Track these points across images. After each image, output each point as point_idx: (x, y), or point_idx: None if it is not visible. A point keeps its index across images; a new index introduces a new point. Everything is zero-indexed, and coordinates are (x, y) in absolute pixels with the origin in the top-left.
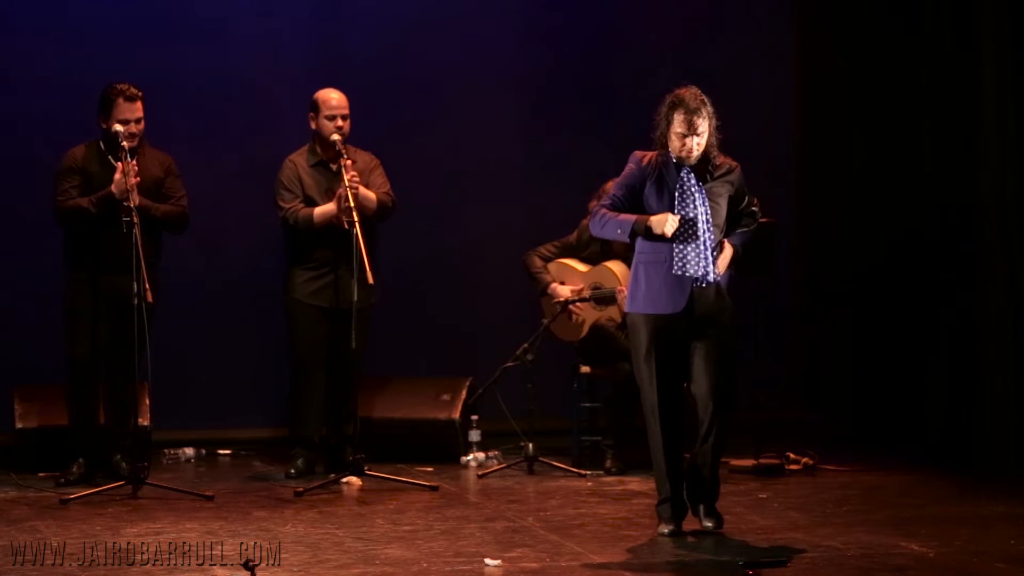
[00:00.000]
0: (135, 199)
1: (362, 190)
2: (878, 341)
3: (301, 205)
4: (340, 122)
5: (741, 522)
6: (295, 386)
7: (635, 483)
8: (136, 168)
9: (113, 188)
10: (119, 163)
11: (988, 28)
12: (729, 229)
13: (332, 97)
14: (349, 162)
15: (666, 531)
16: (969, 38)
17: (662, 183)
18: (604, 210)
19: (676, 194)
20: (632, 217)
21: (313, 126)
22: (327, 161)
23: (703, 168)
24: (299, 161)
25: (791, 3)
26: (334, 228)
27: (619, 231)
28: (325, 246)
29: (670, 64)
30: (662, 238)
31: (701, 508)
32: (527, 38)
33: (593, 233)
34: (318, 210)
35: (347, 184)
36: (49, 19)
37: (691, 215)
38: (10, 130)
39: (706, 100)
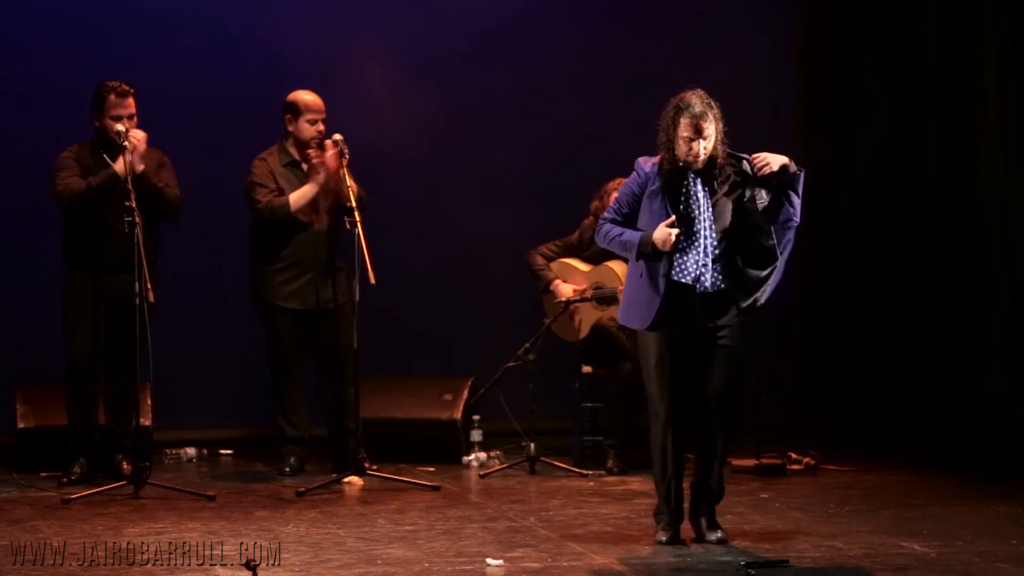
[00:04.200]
0: (139, 166)
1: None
2: (880, 341)
3: (277, 195)
4: (321, 126)
5: (743, 522)
6: (279, 387)
7: (637, 483)
8: (145, 136)
9: (116, 167)
10: (124, 149)
11: (990, 29)
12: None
13: (315, 100)
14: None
15: (664, 538)
16: (971, 39)
17: (664, 189)
18: (607, 224)
19: (681, 198)
20: (635, 238)
21: (291, 128)
22: (299, 162)
23: (709, 172)
24: (270, 160)
25: (794, 4)
26: (304, 226)
27: (625, 252)
28: (296, 246)
29: (671, 63)
30: (664, 253)
31: (703, 521)
32: (528, 37)
33: (598, 244)
34: (294, 195)
35: (343, 165)
36: (50, 23)
37: (694, 221)
38: (10, 131)
39: (713, 103)
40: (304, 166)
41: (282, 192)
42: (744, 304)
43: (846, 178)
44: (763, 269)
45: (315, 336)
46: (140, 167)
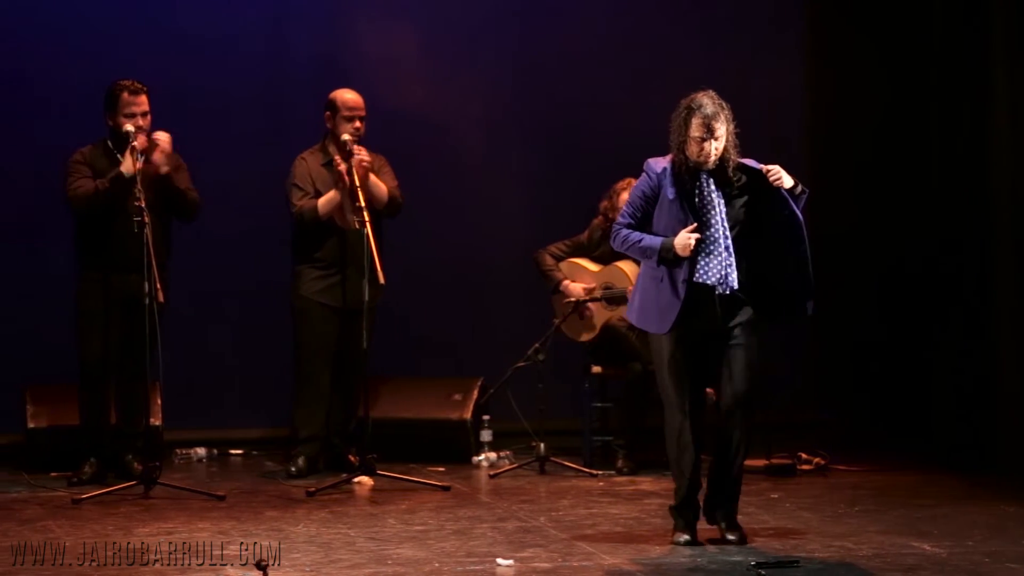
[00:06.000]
0: (163, 168)
1: (372, 178)
2: (890, 340)
3: (310, 199)
4: (358, 123)
5: (753, 522)
6: (300, 384)
7: (647, 483)
8: (170, 138)
9: (122, 167)
10: (134, 148)
11: (999, 25)
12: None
13: (351, 98)
14: (364, 157)
15: (682, 540)
16: (979, 35)
17: (677, 191)
18: (624, 229)
19: (696, 201)
20: (656, 244)
21: (329, 126)
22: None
23: (721, 173)
24: (310, 159)
25: (801, 1)
26: (341, 228)
27: (645, 257)
28: (333, 245)
29: (677, 64)
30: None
31: (722, 522)
32: (534, 36)
33: (615, 248)
34: (322, 199)
35: (354, 167)
36: (63, 28)
37: (711, 223)
38: (22, 132)
39: (724, 104)
40: (344, 165)
41: (318, 193)
42: (806, 312)
43: (855, 176)
44: (775, 274)
45: (343, 336)
46: (165, 169)
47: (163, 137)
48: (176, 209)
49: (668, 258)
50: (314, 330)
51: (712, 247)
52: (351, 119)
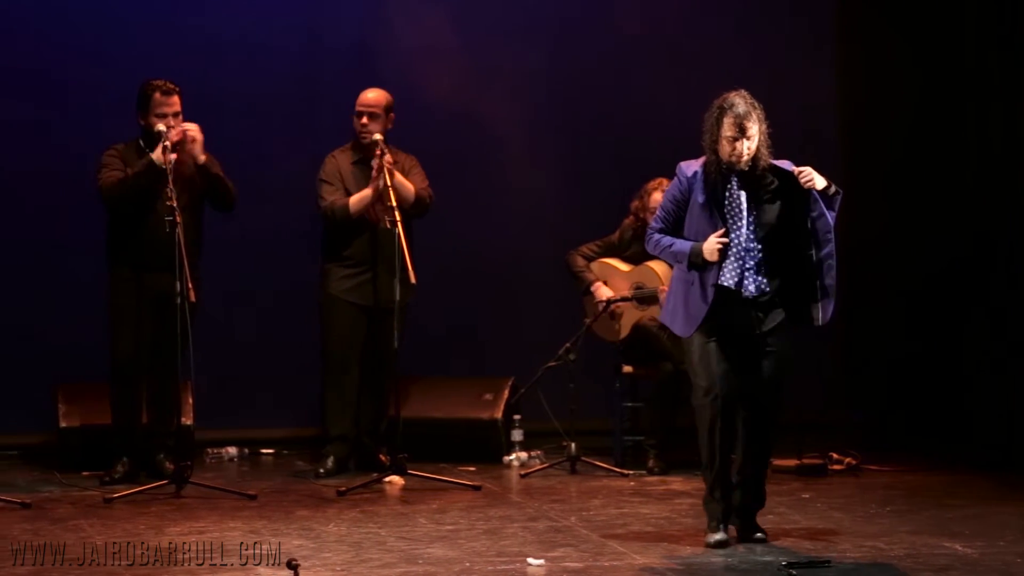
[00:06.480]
0: (200, 157)
1: (399, 177)
2: (921, 340)
3: (340, 196)
4: (366, 119)
5: (784, 522)
6: (328, 383)
7: (678, 483)
8: (198, 127)
9: (154, 155)
10: (166, 149)
11: None
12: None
13: (363, 96)
14: (388, 158)
15: (713, 540)
16: (1014, 37)
17: (708, 193)
18: (656, 234)
19: (725, 203)
20: (686, 248)
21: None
22: (367, 159)
23: (752, 174)
24: (341, 157)
25: (832, 4)
26: (371, 225)
27: (677, 262)
28: (362, 244)
29: (710, 64)
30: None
31: (743, 521)
32: (566, 35)
33: (649, 252)
34: (354, 197)
35: (384, 167)
36: (94, 29)
37: (736, 227)
38: (52, 134)
39: (756, 104)
40: (374, 162)
41: (347, 191)
42: (819, 322)
43: (888, 177)
44: (806, 277)
45: (373, 335)
46: (202, 158)
47: (192, 127)
48: (215, 198)
49: (697, 263)
50: (341, 328)
51: (733, 251)
52: (359, 115)
